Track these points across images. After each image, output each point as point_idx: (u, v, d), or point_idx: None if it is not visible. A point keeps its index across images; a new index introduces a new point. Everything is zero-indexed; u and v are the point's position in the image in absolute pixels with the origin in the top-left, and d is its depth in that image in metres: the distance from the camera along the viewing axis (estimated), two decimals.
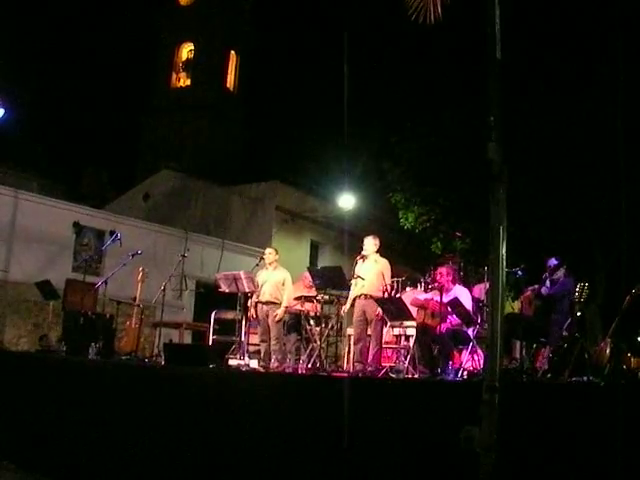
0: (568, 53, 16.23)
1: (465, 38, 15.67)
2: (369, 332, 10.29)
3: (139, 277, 12.76)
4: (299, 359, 11.31)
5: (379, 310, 9.95)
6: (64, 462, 8.96)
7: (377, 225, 20.93)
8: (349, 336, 11.73)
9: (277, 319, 11.07)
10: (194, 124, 35.78)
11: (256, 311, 11.30)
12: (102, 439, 8.62)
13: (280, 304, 11.13)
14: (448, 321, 9.70)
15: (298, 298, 11.83)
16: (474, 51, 13.15)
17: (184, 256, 13.16)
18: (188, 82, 37.83)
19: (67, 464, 8.91)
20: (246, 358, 11.14)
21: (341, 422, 6.35)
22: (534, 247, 15.97)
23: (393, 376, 8.78)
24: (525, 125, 15.94)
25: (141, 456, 8.12)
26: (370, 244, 10.47)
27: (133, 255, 12.89)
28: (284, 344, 11.48)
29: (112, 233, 15.23)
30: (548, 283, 10.21)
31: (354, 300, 10.35)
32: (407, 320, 10.03)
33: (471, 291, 10.73)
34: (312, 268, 14.98)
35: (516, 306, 10.78)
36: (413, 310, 10.01)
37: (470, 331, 9.65)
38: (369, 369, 9.80)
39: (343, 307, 10.92)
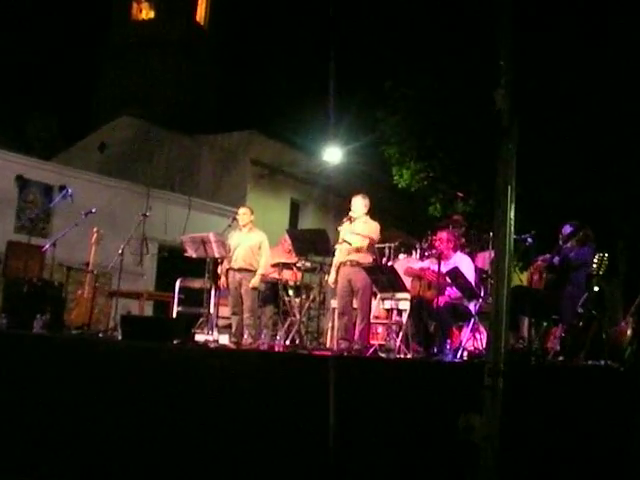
0: None
1: None
2: (355, 305, 10.28)
3: (93, 239, 12.66)
4: (276, 335, 11.30)
5: (367, 280, 9.93)
6: None
7: (367, 183, 20.85)
8: (333, 309, 11.72)
9: (251, 286, 11.03)
10: (158, 64, 35.51)
11: (227, 279, 11.26)
12: (48, 425, 8.59)
13: (255, 271, 11.10)
14: (447, 294, 9.69)
15: (276, 265, 11.81)
16: None
17: (145, 215, 13.04)
18: (152, 14, 37.46)
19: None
20: (215, 333, 11.13)
21: (323, 407, 6.35)
22: (546, 211, 15.96)
23: (383, 356, 8.79)
24: (539, 70, 15.84)
25: (91, 443, 8.11)
26: (359, 204, 10.43)
27: (86, 214, 12.76)
28: (259, 317, 11.48)
29: (62, 188, 15.11)
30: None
31: (339, 268, 10.33)
32: (400, 292, 10.02)
33: (474, 260, 10.71)
34: (292, 230, 14.97)
35: (524, 278, 10.78)
36: (407, 280, 10.00)
37: (472, 305, 9.65)
38: (355, 347, 9.80)
39: (327, 276, 10.90)
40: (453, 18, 17.99)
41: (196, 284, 12.45)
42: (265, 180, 23.09)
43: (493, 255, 8.86)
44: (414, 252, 12.15)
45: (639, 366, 6.47)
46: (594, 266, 8.27)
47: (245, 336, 10.70)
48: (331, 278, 10.57)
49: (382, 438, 6.15)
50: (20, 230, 16.23)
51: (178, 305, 12.77)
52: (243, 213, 11.48)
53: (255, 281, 11.04)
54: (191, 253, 11.38)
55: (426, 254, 11.26)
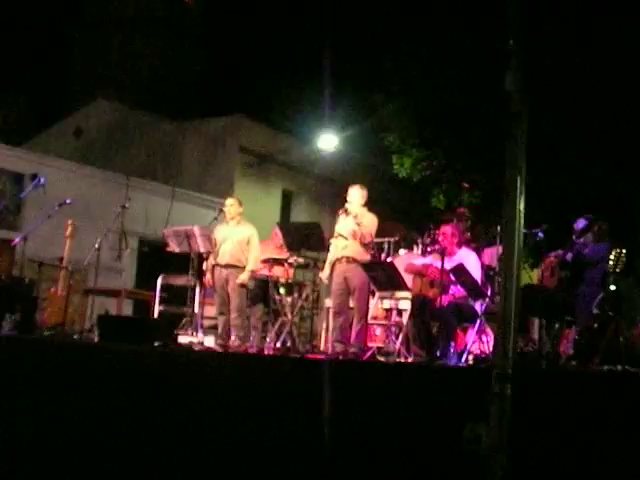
0: None
1: None
2: (352, 304, 10.28)
3: (68, 233, 12.65)
4: (265, 337, 11.31)
5: (365, 277, 9.93)
6: None
7: (365, 172, 20.91)
8: (327, 309, 11.73)
9: (239, 282, 11.01)
10: (139, 42, 35.44)
11: (213, 276, 11.24)
12: (17, 433, 8.58)
13: (243, 268, 11.08)
14: (451, 292, 9.68)
15: (266, 261, 11.79)
16: None
17: (124, 207, 13.03)
18: None
19: None
20: (200, 335, 11.14)
21: (317, 416, 6.35)
22: (559, 203, 15.97)
23: (381, 359, 8.81)
24: (552, 50, 15.83)
25: (66, 452, 8.10)
26: (356, 195, 10.42)
27: (60, 205, 12.76)
28: (247, 318, 11.45)
29: (34, 177, 15.05)
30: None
31: (334, 264, 10.33)
32: (400, 290, 10.03)
33: (480, 256, 10.72)
34: (284, 224, 14.95)
35: (535, 276, 10.80)
36: (408, 278, 9.99)
37: (478, 305, 9.66)
38: (352, 350, 9.80)
39: (321, 273, 10.90)
40: None
41: (179, 281, 12.45)
42: (254, 169, 23.08)
43: (501, 251, 8.84)
44: (415, 247, 12.15)
45: None
46: (610, 263, 8.26)
47: (232, 338, 10.68)
48: (324, 273, 10.56)
49: (381, 450, 6.15)
50: None
51: (160, 304, 12.77)
52: (230, 205, 11.45)
53: (243, 277, 11.01)
54: (174, 248, 11.37)
55: (429, 249, 11.25)
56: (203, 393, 7.41)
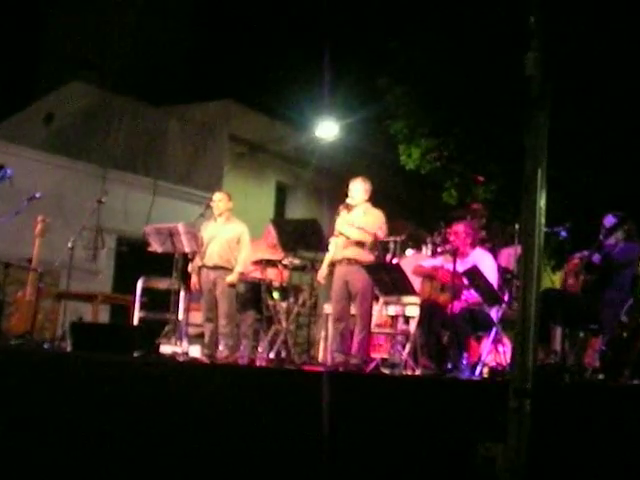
0: None
1: None
2: (353, 311, 10.30)
3: (37, 230, 12.64)
4: (257, 346, 11.32)
5: (368, 280, 9.94)
6: None
7: (369, 163, 20.92)
8: (327, 316, 11.76)
9: (228, 282, 11.01)
10: (118, 18, 35.43)
11: (199, 279, 11.25)
12: None
13: (233, 269, 11.09)
14: (463, 298, 9.72)
15: (258, 262, 11.81)
16: None
17: (101, 202, 13.05)
18: None
19: None
20: (184, 344, 11.15)
21: (315, 435, 6.34)
22: (584, 198, 15.98)
23: (386, 372, 8.81)
24: (577, 30, 15.84)
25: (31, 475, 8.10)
26: (359, 189, 10.44)
27: (29, 199, 12.76)
28: (237, 325, 11.47)
29: None
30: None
31: (334, 266, 10.34)
32: (407, 295, 10.04)
33: (496, 257, 10.75)
34: (278, 221, 14.96)
35: (558, 279, 10.81)
36: (416, 282, 10.01)
37: (493, 312, 9.68)
38: (353, 362, 9.83)
39: (319, 274, 10.89)
40: None
41: (162, 285, 12.46)
42: (246, 160, 23.12)
43: (519, 251, 8.85)
44: (424, 247, 12.18)
45: None
46: None
47: (221, 348, 10.69)
48: (321, 273, 10.57)
49: (386, 472, 6.15)
50: None
51: (140, 310, 12.79)
52: (219, 199, 11.46)
53: (232, 279, 11.01)
54: (156, 247, 11.37)
55: (439, 250, 11.28)
56: (187, 409, 7.40)
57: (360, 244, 10.18)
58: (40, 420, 8.26)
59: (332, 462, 6.32)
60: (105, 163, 20.05)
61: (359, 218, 10.29)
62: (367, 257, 10.18)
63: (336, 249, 10.33)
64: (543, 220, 5.09)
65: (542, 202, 5.07)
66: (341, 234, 10.25)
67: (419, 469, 5.99)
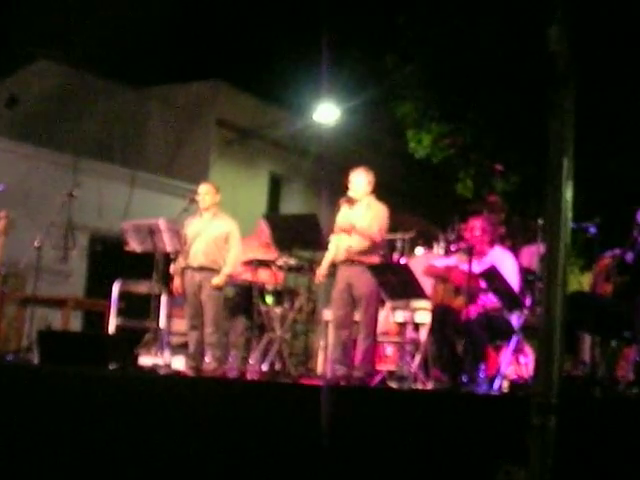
0: None
1: None
2: (357, 317, 10.30)
3: (1, 227, 12.65)
4: (248, 357, 11.31)
5: (373, 283, 9.94)
6: None
7: (373, 151, 20.93)
8: (326, 323, 11.76)
9: (214, 284, 10.99)
10: None
11: (183, 282, 11.26)
12: None
13: (220, 271, 11.09)
14: (480, 302, 9.72)
15: (249, 263, 11.81)
16: None
17: (72, 195, 13.04)
18: None
19: None
20: (167, 355, 11.14)
21: (313, 455, 6.34)
22: (615, 190, 15.99)
23: (394, 386, 8.81)
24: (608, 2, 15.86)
25: None
26: (361, 181, 10.45)
27: None
28: (226, 334, 11.48)
29: None
30: None
31: (335, 267, 10.33)
32: (417, 299, 10.04)
33: (517, 256, 10.75)
34: (271, 216, 14.98)
35: (587, 281, 10.81)
36: (427, 284, 10.02)
37: (514, 318, 9.68)
38: (357, 374, 9.84)
39: (317, 274, 10.88)
40: None
41: (141, 288, 12.48)
42: (235, 147, 23.17)
43: (543, 250, 8.85)
44: (436, 245, 12.19)
45: None
46: None
47: (207, 359, 10.70)
48: (320, 270, 10.56)
49: None
50: None
51: (117, 317, 12.79)
52: (205, 192, 11.46)
53: (219, 281, 11.00)
54: (135, 246, 11.38)
55: (453, 248, 11.27)
56: (170, 429, 7.40)
57: (363, 242, 10.18)
58: (3, 439, 8.26)
59: None
60: (77, 152, 20.04)
61: (361, 216, 10.27)
62: (372, 257, 10.17)
63: (337, 248, 10.32)
64: (570, 215, 5.08)
65: (568, 195, 5.05)
66: (343, 231, 10.22)
67: None
